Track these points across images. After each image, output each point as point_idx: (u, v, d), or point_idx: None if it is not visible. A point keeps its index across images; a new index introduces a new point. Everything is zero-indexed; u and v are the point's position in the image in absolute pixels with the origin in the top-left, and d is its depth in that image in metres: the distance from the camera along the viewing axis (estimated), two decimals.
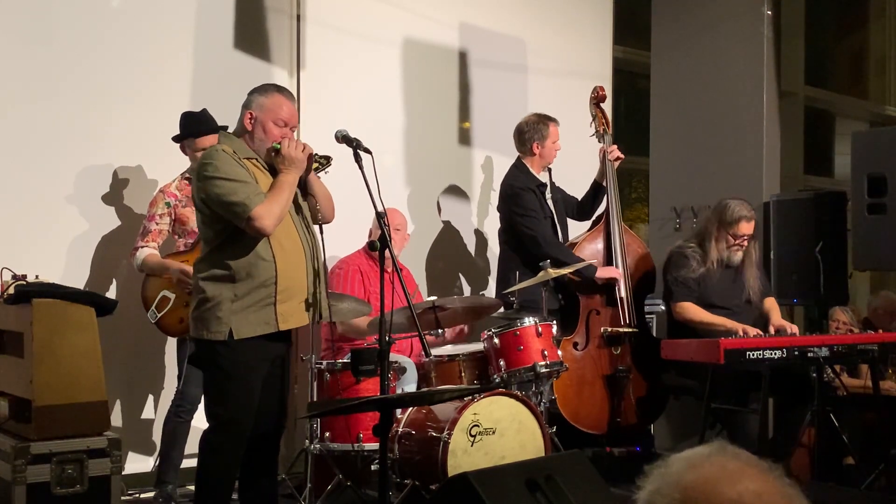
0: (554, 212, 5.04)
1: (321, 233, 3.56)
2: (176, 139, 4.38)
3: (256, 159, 3.40)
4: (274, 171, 3.39)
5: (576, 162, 5.38)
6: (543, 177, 5.06)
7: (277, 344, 3.42)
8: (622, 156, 5.13)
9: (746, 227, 4.75)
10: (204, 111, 4.37)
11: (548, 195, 5.03)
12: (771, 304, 4.91)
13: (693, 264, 4.78)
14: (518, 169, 5.04)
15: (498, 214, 5.17)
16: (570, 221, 5.25)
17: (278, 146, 3.35)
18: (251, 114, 3.40)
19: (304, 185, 3.50)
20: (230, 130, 3.55)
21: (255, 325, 3.30)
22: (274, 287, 3.31)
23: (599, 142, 5.13)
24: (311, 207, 3.56)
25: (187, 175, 4.35)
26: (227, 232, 3.30)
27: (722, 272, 4.81)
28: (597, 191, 5.15)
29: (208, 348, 3.32)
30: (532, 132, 5.00)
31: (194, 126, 4.32)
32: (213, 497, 3.38)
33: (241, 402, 3.33)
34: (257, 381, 3.37)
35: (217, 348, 3.30)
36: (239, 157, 3.33)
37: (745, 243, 4.78)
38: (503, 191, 5.06)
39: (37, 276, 3.83)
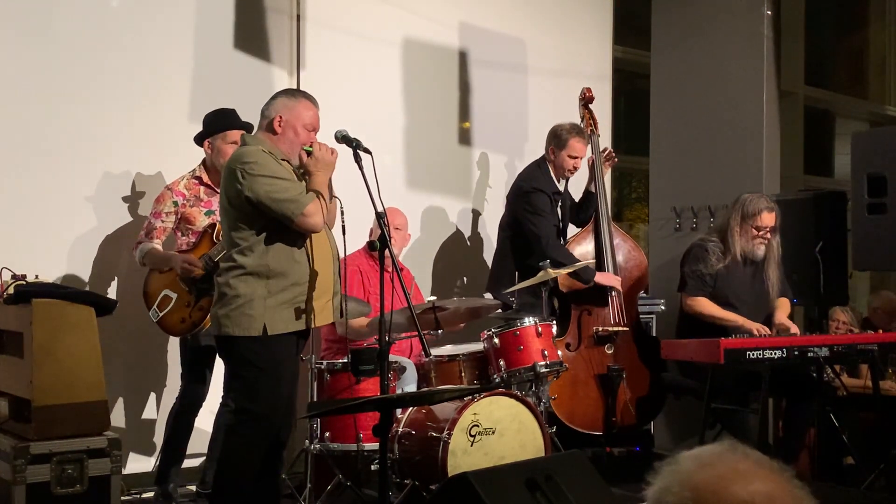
0: (561, 221, 5.04)
1: (343, 234, 3.59)
2: (204, 134, 4.31)
3: (289, 161, 3.50)
4: (299, 175, 3.48)
5: None
6: (561, 185, 5.06)
7: (299, 342, 3.51)
8: (615, 158, 5.14)
9: (768, 218, 4.73)
10: (232, 111, 4.34)
11: (560, 203, 5.04)
12: (781, 301, 4.90)
13: (713, 259, 4.76)
14: (539, 168, 5.05)
15: (498, 214, 5.18)
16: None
17: (310, 149, 3.45)
18: (281, 117, 3.48)
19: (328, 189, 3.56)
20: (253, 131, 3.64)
21: (287, 321, 3.38)
22: (307, 286, 3.40)
23: (587, 143, 5.13)
24: (331, 210, 3.61)
25: (197, 174, 4.34)
26: (263, 230, 3.37)
27: (743, 268, 4.78)
28: (587, 199, 5.16)
29: (239, 345, 3.37)
30: (553, 137, 5.00)
31: (228, 119, 4.27)
32: (233, 490, 3.41)
33: (272, 397, 3.39)
34: (286, 376, 3.45)
35: (249, 345, 3.35)
36: (277, 158, 3.42)
37: (769, 236, 4.75)
38: (518, 185, 5.06)
39: (36, 276, 3.83)
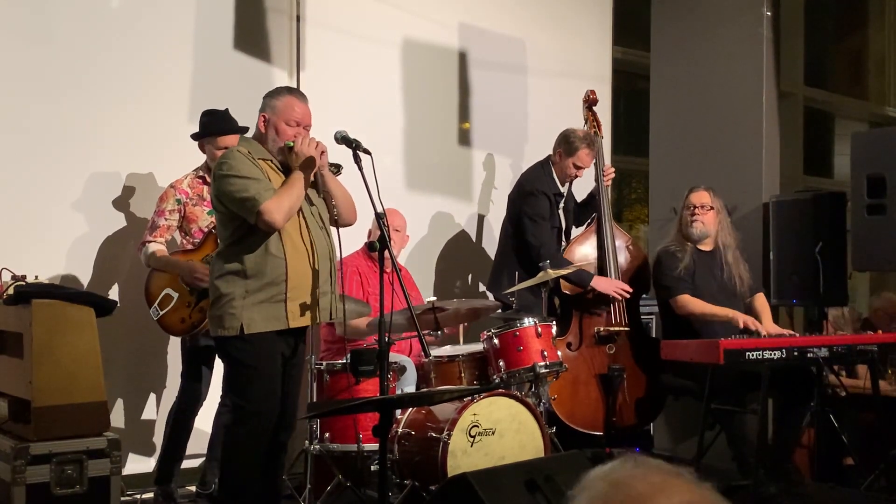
0: (564, 222, 5.04)
1: (337, 233, 3.56)
2: (195, 136, 4.34)
3: (271, 160, 3.49)
4: (289, 172, 3.45)
5: None
6: (565, 187, 5.06)
7: (290, 341, 3.49)
8: (612, 175, 5.14)
9: (696, 196, 4.89)
10: (226, 111, 4.34)
11: (561, 205, 5.04)
12: (761, 303, 4.92)
13: (682, 257, 4.82)
14: (542, 169, 5.05)
15: (497, 215, 5.18)
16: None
17: (291, 144, 3.43)
18: (264, 116, 3.51)
19: (318, 183, 3.52)
20: (249, 134, 3.67)
21: (265, 320, 3.38)
22: (284, 284, 3.38)
23: (595, 155, 5.13)
24: (327, 207, 3.58)
25: (201, 173, 4.34)
26: (241, 230, 3.39)
27: (704, 260, 4.85)
28: (590, 201, 5.17)
29: (226, 344, 3.41)
30: (564, 141, 4.99)
31: (217, 124, 4.28)
32: (239, 488, 3.42)
33: (263, 393, 3.40)
34: (275, 373, 3.44)
35: (233, 343, 3.38)
36: (254, 158, 3.42)
37: (698, 213, 4.84)
38: (521, 185, 5.07)
39: (36, 277, 3.83)
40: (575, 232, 5.24)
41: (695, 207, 4.87)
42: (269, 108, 3.51)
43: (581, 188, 5.32)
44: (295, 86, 5.09)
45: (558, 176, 5.01)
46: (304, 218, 3.46)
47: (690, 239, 4.87)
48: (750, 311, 4.90)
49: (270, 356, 3.42)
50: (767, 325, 4.75)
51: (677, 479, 1.19)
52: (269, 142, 3.50)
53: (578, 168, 4.98)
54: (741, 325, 4.47)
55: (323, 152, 3.46)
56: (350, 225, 3.69)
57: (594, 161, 5.09)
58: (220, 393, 4.26)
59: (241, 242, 3.39)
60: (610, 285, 4.88)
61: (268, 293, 3.37)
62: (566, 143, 4.97)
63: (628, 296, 4.91)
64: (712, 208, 4.88)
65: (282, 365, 3.48)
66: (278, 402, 3.45)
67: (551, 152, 5.06)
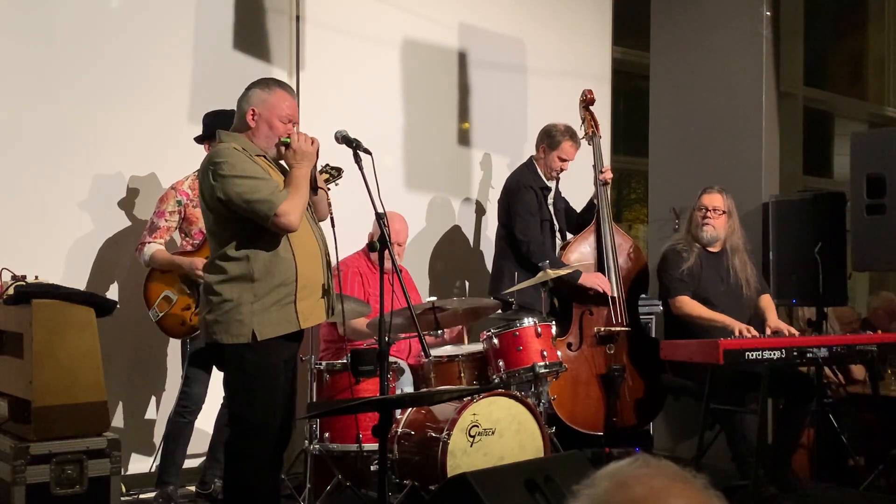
0: (553, 216, 5.05)
1: (333, 228, 3.46)
2: (203, 137, 4.30)
3: (265, 156, 3.35)
4: (281, 167, 3.36)
5: (575, 162, 5.38)
6: (551, 183, 5.08)
7: (293, 343, 3.39)
8: (610, 177, 5.14)
9: (708, 199, 4.86)
10: (233, 112, 4.30)
11: (550, 199, 5.06)
12: (767, 302, 4.91)
13: (688, 257, 4.81)
14: (527, 167, 5.11)
15: (496, 215, 5.19)
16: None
17: (288, 140, 3.30)
18: (254, 110, 3.33)
19: (313, 181, 3.45)
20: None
21: (277, 324, 3.23)
22: (294, 285, 3.25)
23: (589, 144, 5.14)
24: (318, 202, 3.50)
25: None
26: (243, 232, 3.23)
27: (711, 261, 4.83)
28: (590, 208, 5.17)
29: (230, 352, 3.23)
30: (546, 136, 5.04)
31: (227, 122, 4.22)
32: (244, 501, 3.28)
33: (269, 403, 3.26)
34: (281, 381, 3.32)
35: (240, 351, 3.21)
36: (250, 155, 3.28)
37: (710, 217, 4.81)
38: (507, 185, 5.11)
39: (36, 277, 3.83)
40: (571, 236, 5.24)
41: (707, 210, 4.84)
42: (258, 102, 3.34)
43: (577, 189, 5.31)
44: (295, 86, 5.09)
45: (543, 171, 5.05)
46: (305, 217, 3.38)
47: (699, 241, 4.86)
48: (756, 310, 4.89)
49: (275, 365, 3.29)
50: (773, 321, 4.74)
51: (680, 484, 1.21)
52: (260, 137, 3.34)
53: (563, 161, 5.02)
54: (736, 333, 4.45)
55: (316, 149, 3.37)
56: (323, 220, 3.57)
57: (592, 163, 5.10)
58: (223, 394, 4.26)
59: (244, 244, 3.23)
60: (592, 280, 4.89)
61: (277, 296, 3.23)
62: (548, 137, 5.02)
63: (605, 292, 4.89)
64: (724, 212, 4.85)
65: (287, 366, 3.40)
66: (282, 410, 3.34)
67: (535, 150, 5.09)
